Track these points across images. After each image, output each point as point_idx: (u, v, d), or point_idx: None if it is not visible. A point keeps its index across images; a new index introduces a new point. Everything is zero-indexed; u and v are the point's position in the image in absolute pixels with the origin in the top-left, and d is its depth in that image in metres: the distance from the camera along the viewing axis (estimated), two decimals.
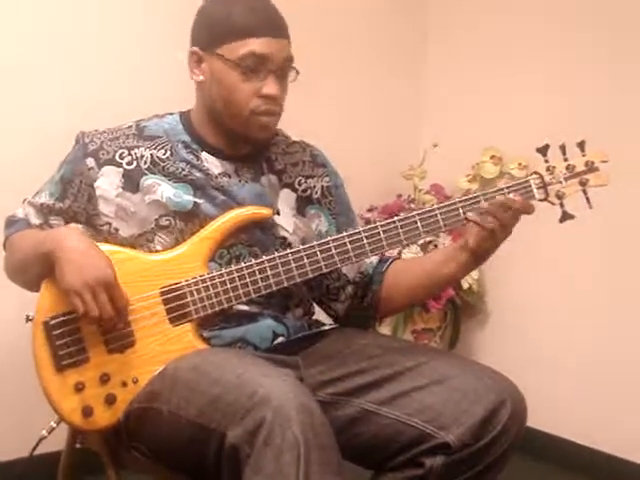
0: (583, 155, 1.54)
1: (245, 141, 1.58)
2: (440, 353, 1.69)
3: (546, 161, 1.53)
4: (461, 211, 1.50)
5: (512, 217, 1.48)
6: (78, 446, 1.63)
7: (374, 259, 1.66)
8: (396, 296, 1.66)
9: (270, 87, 1.51)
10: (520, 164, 2.61)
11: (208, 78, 1.55)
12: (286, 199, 1.63)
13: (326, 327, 1.66)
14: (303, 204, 1.65)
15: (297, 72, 1.56)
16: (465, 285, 2.66)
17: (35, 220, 1.61)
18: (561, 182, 1.53)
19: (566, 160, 1.53)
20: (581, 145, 1.53)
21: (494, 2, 2.77)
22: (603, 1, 2.45)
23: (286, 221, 1.61)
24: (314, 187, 1.68)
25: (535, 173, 1.53)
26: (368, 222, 2.67)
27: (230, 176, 1.59)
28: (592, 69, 2.46)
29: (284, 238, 1.60)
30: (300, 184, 1.66)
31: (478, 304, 2.78)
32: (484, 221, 1.47)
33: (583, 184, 1.53)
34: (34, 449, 1.57)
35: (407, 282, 1.64)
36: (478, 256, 1.53)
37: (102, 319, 1.42)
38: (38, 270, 1.50)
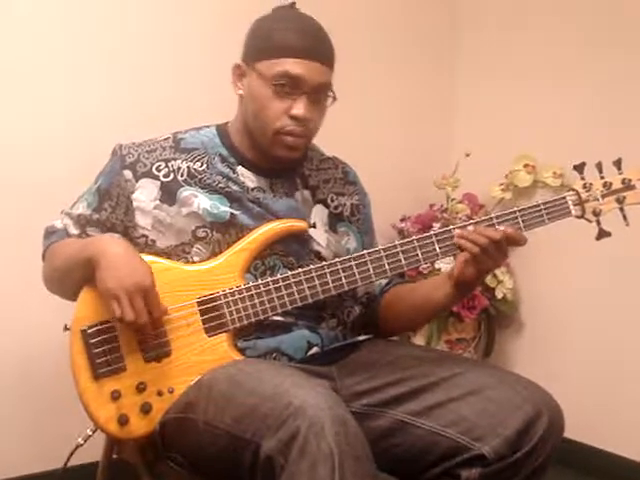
0: (620, 173, 1.55)
1: (271, 159, 1.58)
2: (475, 363, 1.68)
3: (582, 178, 1.54)
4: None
5: (496, 249, 1.47)
6: (114, 457, 1.64)
7: (383, 280, 1.67)
8: (391, 319, 1.68)
9: (299, 108, 1.51)
10: (555, 173, 2.59)
11: (246, 92, 1.56)
12: (319, 215, 1.64)
13: (360, 338, 1.66)
14: (334, 221, 1.66)
15: (334, 98, 1.57)
16: (499, 295, 2.64)
17: (74, 231, 1.62)
18: (598, 199, 1.54)
19: (603, 178, 1.54)
20: (618, 163, 1.54)
21: (526, 8, 2.75)
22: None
23: (320, 236, 1.62)
24: (345, 205, 1.69)
25: (571, 190, 1.54)
26: (401, 232, 2.70)
27: (265, 191, 1.60)
28: (627, 76, 2.44)
29: (318, 252, 1.61)
30: (332, 201, 1.67)
31: (513, 314, 2.76)
32: (467, 245, 1.47)
33: (620, 202, 1.54)
34: (70, 457, 1.58)
35: (401, 306, 1.66)
36: (462, 286, 1.54)
37: (137, 324, 1.43)
38: (78, 276, 1.51)
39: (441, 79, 2.96)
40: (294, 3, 1.59)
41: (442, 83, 2.96)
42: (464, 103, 2.95)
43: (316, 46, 1.52)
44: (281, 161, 1.58)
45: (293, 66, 1.50)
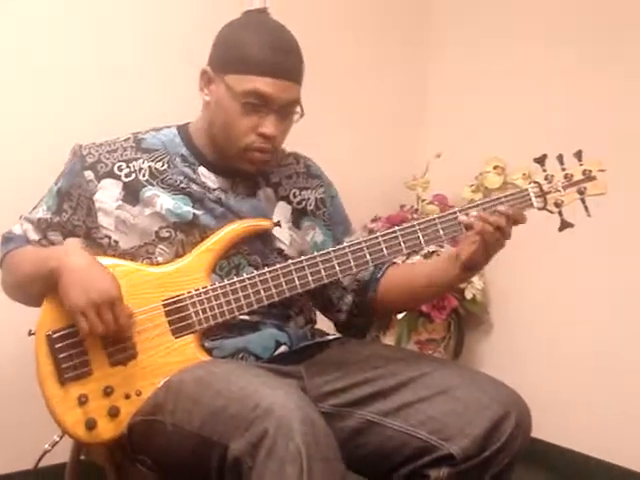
0: (580, 164, 1.56)
1: (237, 170, 1.58)
2: (444, 363, 1.69)
3: (544, 170, 1.55)
4: (459, 216, 1.52)
5: (507, 224, 1.49)
6: (82, 458, 1.63)
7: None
8: (390, 302, 1.68)
9: (268, 127, 1.51)
10: (524, 174, 2.59)
11: (213, 100, 1.55)
12: (282, 212, 1.64)
13: (329, 337, 1.66)
14: (298, 216, 1.66)
15: (301, 115, 1.56)
16: (469, 295, 2.65)
17: (34, 236, 1.60)
18: (559, 191, 1.55)
19: (564, 169, 1.55)
20: (578, 154, 1.56)
21: (495, 13, 2.77)
22: (607, 13, 2.44)
23: (283, 234, 1.62)
24: (308, 199, 1.68)
25: (534, 182, 1.55)
26: (372, 232, 2.69)
27: (226, 191, 1.60)
28: (594, 78, 2.46)
29: (281, 250, 1.60)
30: (295, 196, 1.67)
31: (482, 314, 2.77)
32: (478, 226, 1.48)
33: (581, 193, 1.56)
34: (37, 463, 1.56)
35: (401, 290, 1.66)
36: (469, 268, 1.54)
37: (106, 336, 1.43)
38: (40, 288, 1.50)
39: (412, 80, 2.96)
40: (266, 8, 1.57)
41: (413, 84, 2.97)
42: (435, 104, 2.96)
43: (286, 64, 1.50)
44: (247, 174, 1.59)
45: (263, 85, 1.48)
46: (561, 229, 1.55)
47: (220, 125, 1.54)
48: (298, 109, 1.55)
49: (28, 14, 2.21)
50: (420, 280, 1.63)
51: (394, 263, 1.72)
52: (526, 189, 1.54)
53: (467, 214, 1.51)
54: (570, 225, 1.55)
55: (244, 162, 1.55)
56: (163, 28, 2.38)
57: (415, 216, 2.72)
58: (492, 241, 1.48)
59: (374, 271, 1.67)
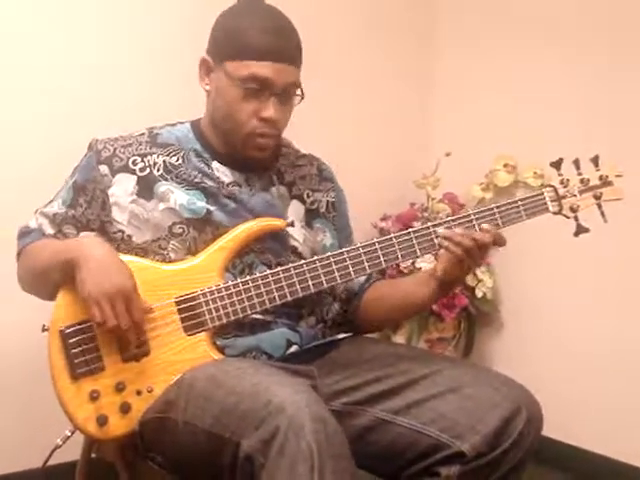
0: (597, 169, 1.56)
1: (243, 158, 1.59)
2: (454, 361, 1.69)
3: (560, 174, 1.54)
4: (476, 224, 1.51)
5: (479, 249, 1.48)
6: (93, 456, 1.63)
7: (362, 277, 1.67)
8: (372, 315, 1.68)
9: (269, 111, 1.52)
10: (535, 172, 2.60)
11: (214, 89, 1.56)
12: (295, 210, 1.65)
13: (340, 336, 1.67)
14: (310, 217, 1.67)
15: (302, 97, 1.57)
16: (479, 294, 2.65)
17: (49, 230, 1.61)
18: (575, 195, 1.55)
19: (580, 174, 1.55)
20: (595, 160, 1.56)
21: (504, 9, 2.76)
22: (615, 10, 2.44)
23: (297, 232, 1.62)
24: (320, 201, 1.69)
25: (549, 186, 1.55)
26: (382, 231, 2.70)
27: (241, 185, 1.60)
28: (603, 76, 2.45)
29: (295, 248, 1.61)
30: (308, 197, 1.68)
31: (492, 313, 2.77)
32: (451, 247, 1.47)
33: (597, 197, 1.55)
34: (48, 458, 1.57)
35: (383, 303, 1.66)
36: (446, 283, 1.54)
37: (119, 329, 1.43)
38: (57, 278, 1.50)
39: (421, 79, 2.96)
40: None
41: (422, 83, 2.97)
42: (444, 102, 2.96)
43: (282, 47, 1.51)
44: (252, 160, 1.59)
45: (260, 69, 1.49)
46: (577, 234, 1.55)
47: (222, 113, 1.56)
48: (299, 92, 1.56)
49: (29, 15, 2.21)
50: (398, 295, 1.64)
51: (381, 278, 1.73)
52: (541, 193, 1.54)
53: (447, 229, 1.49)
54: (586, 230, 1.54)
55: (250, 149, 1.56)
56: (162, 26, 2.37)
57: (426, 214, 2.72)
58: (466, 260, 1.48)
59: (363, 282, 1.68)
